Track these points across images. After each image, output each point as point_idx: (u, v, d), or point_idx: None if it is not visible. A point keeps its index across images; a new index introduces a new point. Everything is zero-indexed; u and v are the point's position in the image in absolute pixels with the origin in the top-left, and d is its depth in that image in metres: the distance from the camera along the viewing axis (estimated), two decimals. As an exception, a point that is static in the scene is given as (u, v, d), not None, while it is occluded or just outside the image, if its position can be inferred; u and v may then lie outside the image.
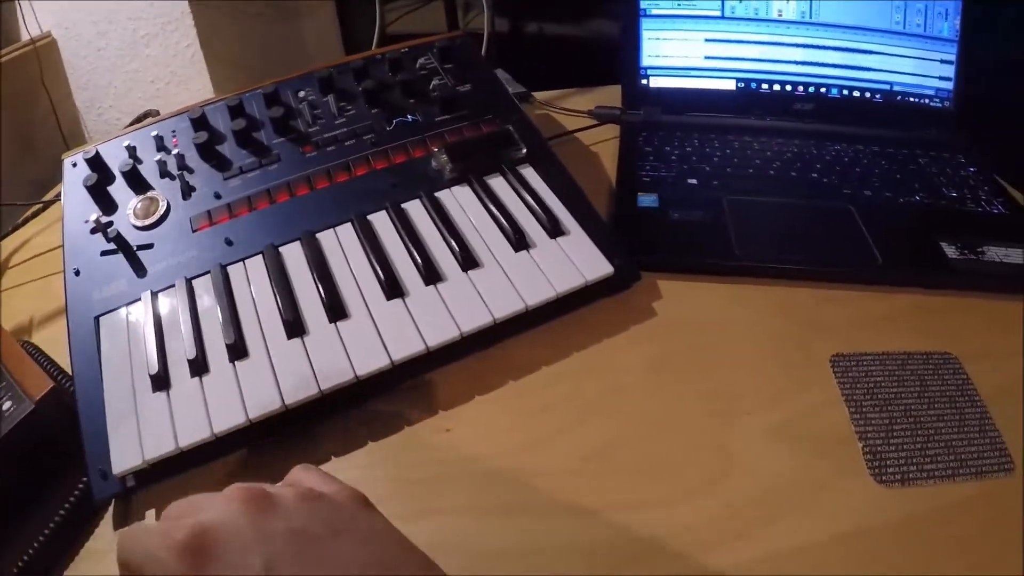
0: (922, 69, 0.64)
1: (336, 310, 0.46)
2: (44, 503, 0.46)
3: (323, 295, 0.47)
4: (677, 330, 0.50)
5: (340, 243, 0.50)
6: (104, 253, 0.53)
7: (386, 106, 0.58)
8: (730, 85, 0.68)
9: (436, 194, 0.53)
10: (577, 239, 0.51)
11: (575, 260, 0.49)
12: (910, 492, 0.40)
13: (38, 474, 0.47)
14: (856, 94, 0.66)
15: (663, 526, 0.38)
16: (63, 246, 0.54)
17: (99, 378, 0.46)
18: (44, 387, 0.46)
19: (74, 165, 0.58)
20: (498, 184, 0.54)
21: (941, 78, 0.64)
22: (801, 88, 0.67)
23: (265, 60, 0.94)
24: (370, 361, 0.44)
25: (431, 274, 0.48)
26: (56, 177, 0.93)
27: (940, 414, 0.44)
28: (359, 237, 0.50)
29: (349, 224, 0.51)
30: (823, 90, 0.66)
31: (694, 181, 0.60)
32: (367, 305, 0.47)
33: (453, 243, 0.49)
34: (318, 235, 0.51)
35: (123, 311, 0.49)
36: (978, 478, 0.40)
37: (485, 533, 0.39)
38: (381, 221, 0.51)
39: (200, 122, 0.57)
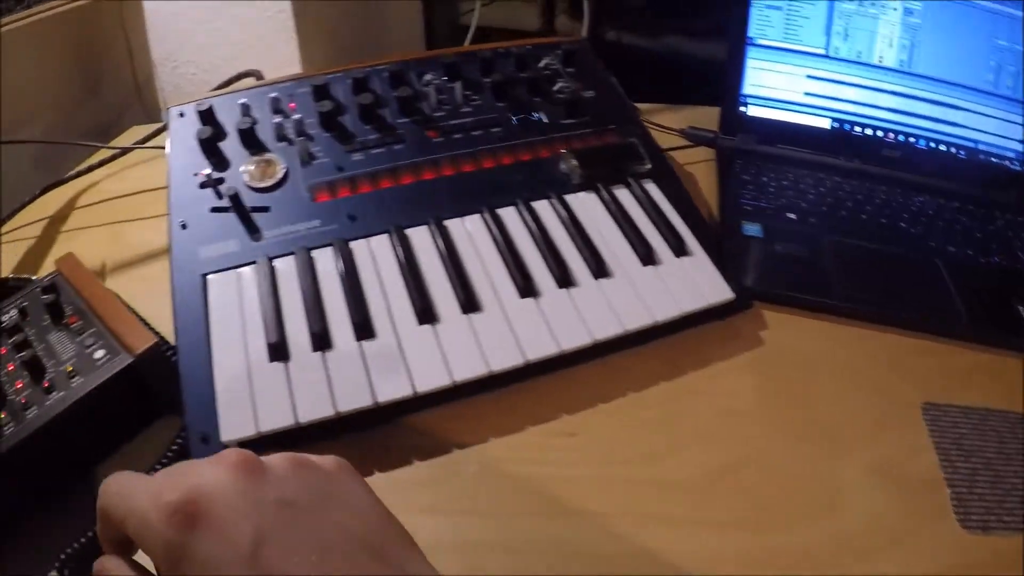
0: (1007, 131, 0.68)
1: (470, 302, 0.47)
2: (130, 458, 0.46)
3: (456, 285, 0.47)
4: (781, 361, 0.52)
5: (469, 233, 0.50)
6: (215, 210, 0.52)
7: (512, 101, 0.58)
8: (824, 123, 0.70)
9: (566, 197, 0.53)
10: (699, 261, 0.52)
11: (698, 281, 0.51)
12: (990, 541, 0.42)
13: (123, 427, 0.47)
14: (942, 147, 0.69)
15: (776, 549, 0.40)
16: (168, 198, 0.53)
17: (204, 338, 0.45)
18: (146, 341, 0.45)
19: (181, 115, 0.57)
20: (623, 196, 0.54)
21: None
22: (891, 135, 0.69)
23: (351, 37, 0.92)
24: (504, 357, 0.45)
25: (564, 278, 0.48)
26: (122, 123, 0.90)
27: (1016, 471, 0.46)
28: (490, 230, 0.50)
29: (479, 215, 0.51)
30: (911, 139, 0.69)
31: (793, 216, 0.61)
32: (500, 300, 0.47)
33: (586, 250, 0.50)
34: (446, 222, 0.51)
35: (234, 272, 0.49)
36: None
37: (607, 538, 0.40)
38: (510, 217, 0.52)
39: (323, 91, 0.56)
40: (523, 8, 0.94)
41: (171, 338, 0.48)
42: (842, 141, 0.70)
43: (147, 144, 0.72)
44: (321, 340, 0.44)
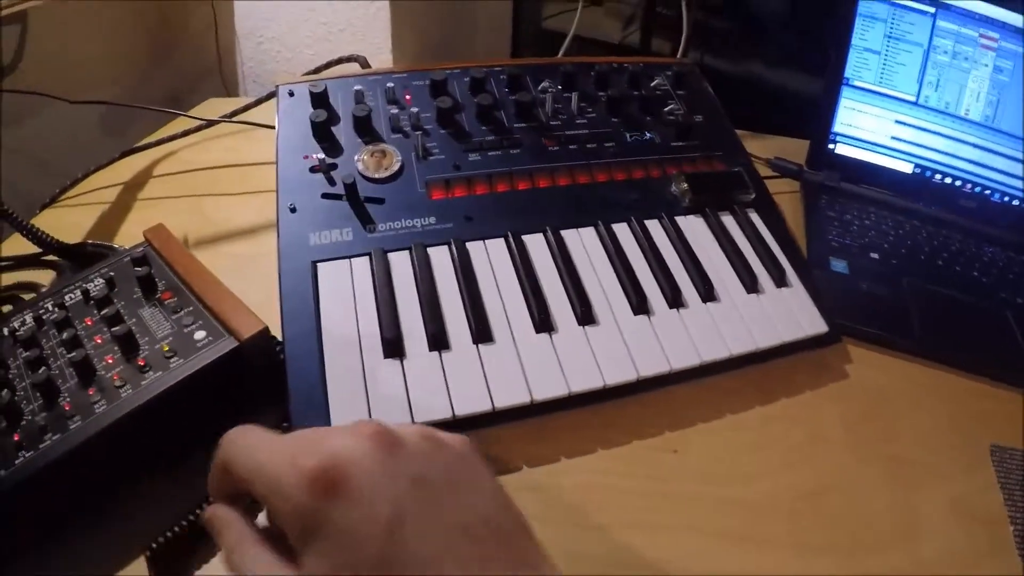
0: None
1: (587, 314, 0.48)
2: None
3: (573, 297, 0.48)
4: (864, 395, 0.54)
5: (584, 246, 0.52)
6: (326, 196, 0.52)
7: (625, 118, 0.60)
8: (907, 168, 0.72)
9: (676, 218, 0.54)
10: (797, 292, 0.54)
11: (795, 312, 0.53)
12: None
13: (217, 416, 0.46)
14: (1016, 203, 0.71)
15: (857, 573, 0.43)
16: (276, 179, 0.53)
17: (314, 328, 0.45)
18: (254, 326, 0.44)
19: (291, 94, 0.57)
20: (729, 223, 0.56)
21: (1095, 209, 0.70)
22: (969, 186, 0.71)
23: (441, 34, 0.93)
24: (617, 372, 0.46)
25: (676, 298, 0.50)
26: (196, 93, 0.89)
27: None
28: (604, 244, 0.52)
29: (593, 229, 0.53)
30: (988, 192, 0.71)
31: (875, 256, 0.63)
32: (614, 315, 0.49)
33: (695, 273, 0.51)
34: (562, 232, 0.52)
35: (347, 263, 0.49)
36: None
37: (700, 556, 0.42)
38: (623, 233, 0.53)
39: (441, 86, 0.57)
40: (606, 19, 0.95)
41: (266, 321, 0.46)
42: (922, 187, 0.72)
43: (235, 118, 0.72)
44: (438, 340, 0.45)
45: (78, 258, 0.61)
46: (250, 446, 0.28)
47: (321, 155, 0.53)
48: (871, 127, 0.72)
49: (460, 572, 0.25)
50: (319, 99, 0.56)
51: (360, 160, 0.53)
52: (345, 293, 0.47)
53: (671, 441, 0.48)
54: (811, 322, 0.52)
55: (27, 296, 0.58)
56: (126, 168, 0.73)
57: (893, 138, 0.72)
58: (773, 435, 0.50)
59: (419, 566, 0.25)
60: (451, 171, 0.54)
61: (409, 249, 0.49)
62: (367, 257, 0.49)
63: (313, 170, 0.53)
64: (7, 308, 0.54)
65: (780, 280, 0.53)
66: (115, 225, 0.67)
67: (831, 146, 0.73)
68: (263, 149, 0.76)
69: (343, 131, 0.55)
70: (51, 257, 0.62)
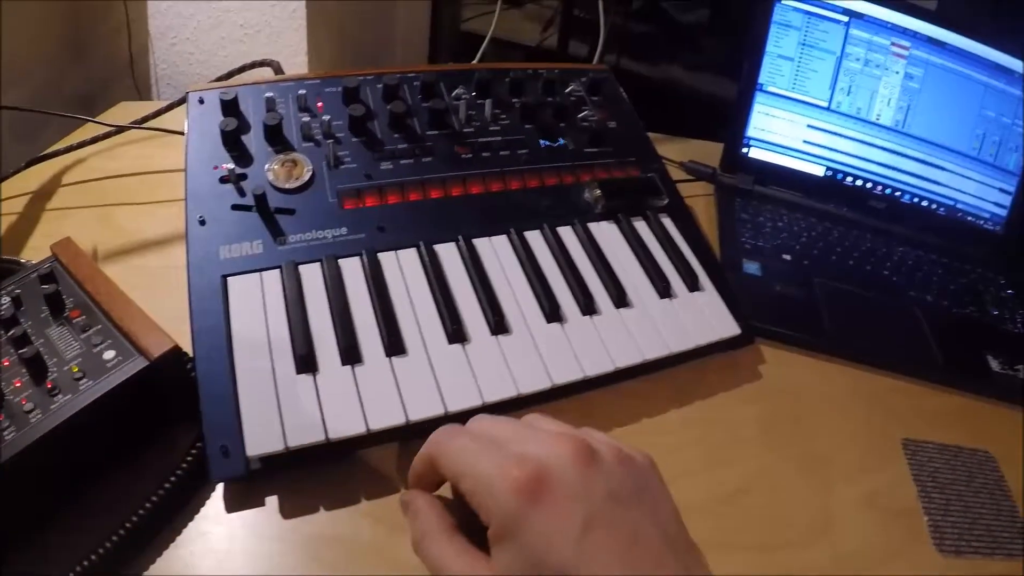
0: (984, 193, 0.74)
1: (499, 324, 0.48)
2: (140, 467, 0.44)
3: (486, 306, 0.49)
4: (778, 394, 0.55)
5: (497, 254, 0.52)
6: (236, 207, 0.51)
7: (539, 124, 0.60)
8: (819, 171, 0.75)
9: (588, 225, 0.55)
10: (710, 296, 0.55)
11: (708, 316, 0.54)
12: (962, 563, 0.47)
13: (132, 434, 0.46)
14: (925, 203, 0.75)
15: (778, 567, 0.44)
16: (185, 190, 0.52)
17: (223, 344, 0.45)
18: (163, 344, 0.43)
19: (201, 101, 0.56)
20: (641, 228, 0.57)
21: (997, 204, 0.74)
22: (879, 188, 0.75)
23: (358, 35, 0.92)
24: (532, 381, 0.46)
25: (588, 305, 0.51)
26: (108, 97, 0.86)
27: (982, 503, 0.51)
28: (516, 252, 0.52)
29: (505, 237, 0.53)
30: (897, 194, 0.75)
31: (788, 257, 0.66)
32: (527, 324, 0.49)
33: (608, 279, 0.52)
34: (474, 240, 0.52)
35: (257, 276, 0.48)
36: (1010, 558, 0.48)
37: None
38: (536, 241, 0.54)
39: (354, 93, 0.57)
40: (524, 22, 0.96)
41: (176, 337, 0.45)
42: (833, 189, 0.75)
43: (145, 125, 0.70)
44: (350, 354, 0.45)
45: None
46: (463, 448, 0.33)
47: (231, 165, 0.52)
48: (784, 131, 0.74)
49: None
50: (229, 107, 0.55)
51: (270, 170, 0.53)
52: (256, 307, 0.47)
53: (587, 448, 0.49)
54: (724, 325, 0.54)
55: None
56: (34, 177, 0.70)
57: (805, 142, 0.74)
58: (691, 437, 0.51)
59: (597, 569, 0.29)
60: (363, 180, 0.53)
61: (320, 261, 0.49)
62: (278, 270, 0.48)
63: (223, 180, 0.52)
64: None
65: (692, 285, 0.55)
66: (23, 238, 0.64)
67: (744, 150, 0.75)
68: (175, 156, 0.74)
69: (254, 140, 0.54)
70: None
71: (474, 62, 0.67)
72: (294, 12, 0.83)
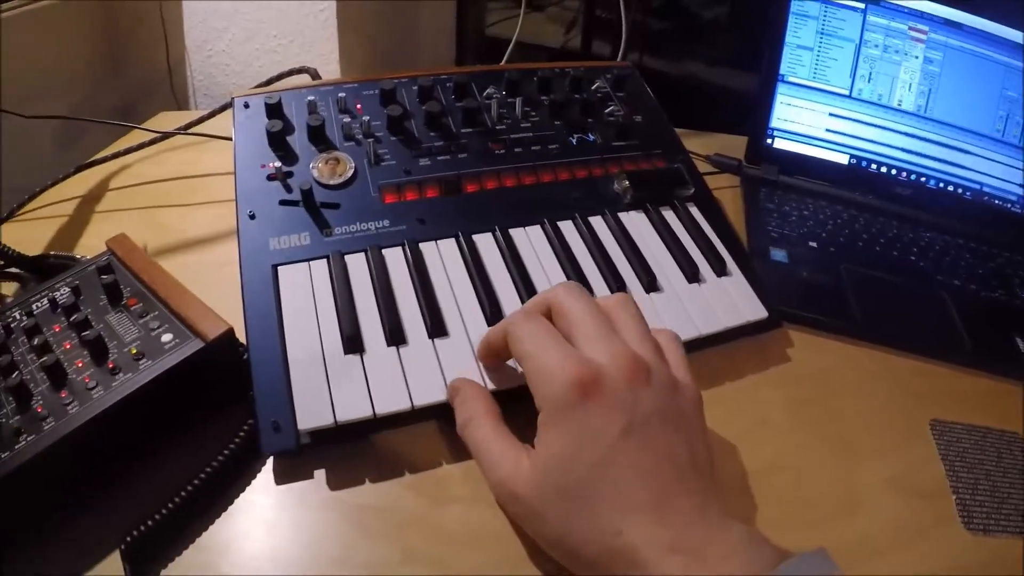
0: (1010, 176, 0.75)
1: (534, 307, 0.51)
2: (193, 444, 0.48)
3: (523, 291, 0.52)
4: (806, 377, 0.58)
5: (531, 243, 0.55)
6: (284, 203, 0.55)
7: (567, 121, 0.63)
8: (843, 159, 0.77)
9: (619, 214, 0.59)
10: (737, 281, 0.58)
11: (736, 300, 0.57)
12: (990, 541, 0.48)
13: (182, 415, 0.49)
14: (950, 188, 0.76)
15: (804, 546, 0.45)
16: (235, 188, 0.56)
17: (276, 327, 0.48)
18: (219, 327, 0.47)
19: (246, 106, 0.60)
20: (670, 217, 0.60)
21: (1024, 187, 0.76)
22: (904, 174, 0.77)
23: (387, 41, 0.97)
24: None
25: (620, 289, 0.54)
26: (146, 106, 0.92)
27: (1011, 482, 0.53)
28: (550, 241, 0.55)
29: (539, 227, 0.56)
30: (923, 179, 0.77)
31: (814, 244, 0.68)
32: (561, 308, 0.52)
33: (638, 265, 0.55)
34: (510, 231, 0.56)
35: (306, 265, 0.52)
36: (1039, 537, 0.49)
37: None
38: (568, 230, 0.57)
39: (391, 95, 0.61)
40: (547, 24, 1.00)
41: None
42: (858, 177, 0.77)
43: (189, 131, 0.75)
44: (396, 336, 0.48)
45: (40, 270, 0.63)
46: (536, 333, 0.39)
47: (277, 163, 0.56)
48: (806, 121, 0.77)
49: (658, 487, 0.35)
50: (274, 110, 0.59)
51: (315, 167, 0.57)
52: (305, 293, 0.50)
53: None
54: (751, 308, 0.56)
55: None
56: (80, 182, 0.75)
57: (828, 131, 0.77)
58: (720, 418, 0.52)
59: (627, 473, 0.35)
60: (402, 176, 0.57)
61: (365, 251, 0.52)
62: (325, 259, 0.52)
63: (270, 178, 0.56)
64: None
65: (720, 270, 0.58)
66: (74, 238, 0.69)
67: (768, 141, 0.78)
68: (215, 160, 0.79)
69: (297, 140, 0.58)
70: (12, 270, 0.64)
71: (501, 63, 0.70)
72: (325, 22, 0.88)
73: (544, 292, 0.42)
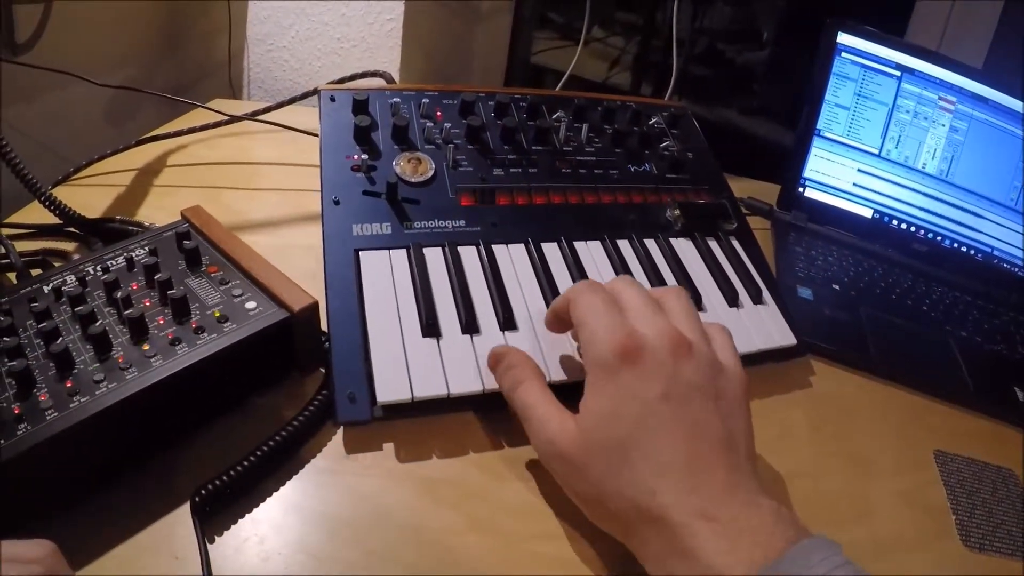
0: (1019, 242, 0.87)
1: (595, 313, 0.62)
2: (267, 409, 0.54)
3: (584, 297, 0.62)
4: (827, 401, 0.67)
5: (593, 256, 0.65)
6: (367, 193, 0.63)
7: (627, 150, 0.74)
8: (867, 213, 0.89)
9: (670, 240, 0.70)
10: (771, 310, 0.68)
11: (769, 326, 0.67)
12: (985, 559, 0.57)
13: (257, 380, 0.55)
14: (963, 248, 0.88)
15: None
16: (321, 173, 0.64)
17: (354, 305, 0.56)
18: (304, 300, 0.53)
19: (332, 99, 0.69)
20: (714, 247, 0.71)
21: (1031, 255, 0.88)
22: (922, 232, 0.89)
23: (443, 57, 1.07)
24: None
25: (669, 305, 0.64)
26: (198, 91, 0.99)
27: (1005, 511, 0.61)
28: (609, 256, 0.65)
29: (599, 242, 0.67)
30: (939, 238, 0.89)
31: (837, 287, 0.79)
32: (617, 315, 0.63)
33: (685, 285, 0.66)
34: (575, 243, 0.66)
35: (386, 253, 0.60)
36: (1028, 560, 0.58)
37: None
38: (625, 248, 0.67)
39: (471, 107, 0.71)
40: (590, 59, 1.12)
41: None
42: (880, 230, 0.89)
43: (258, 117, 0.84)
44: (470, 324, 0.57)
45: (103, 233, 0.69)
46: (592, 304, 0.45)
47: (363, 156, 0.66)
48: (836, 174, 0.89)
49: (691, 455, 0.40)
50: (360, 106, 0.69)
51: (398, 164, 0.66)
52: (385, 278, 0.58)
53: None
54: (782, 335, 0.67)
55: (57, 263, 0.64)
56: (137, 156, 0.81)
57: (855, 185, 0.89)
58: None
59: (662, 437, 0.40)
60: (478, 182, 0.67)
61: (442, 246, 0.61)
62: (405, 250, 0.60)
63: (354, 169, 0.64)
64: (37, 271, 0.62)
65: (756, 298, 0.68)
66: (132, 207, 0.75)
67: (800, 189, 0.90)
68: (269, 151, 0.87)
69: (381, 137, 0.67)
70: (72, 230, 0.69)
71: (557, 90, 0.81)
72: (390, 31, 0.99)
73: (570, 291, 0.49)
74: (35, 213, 0.68)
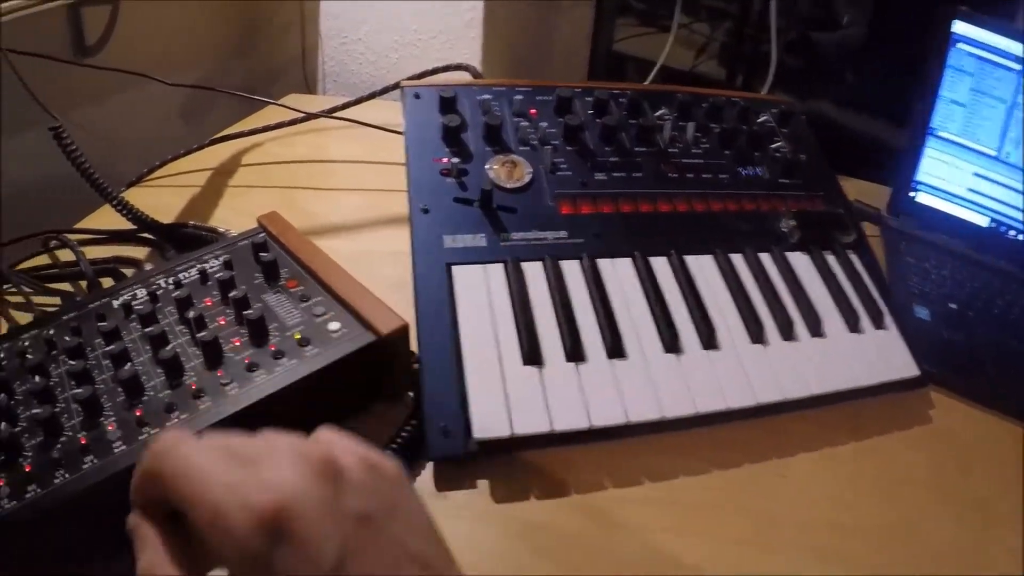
0: None
1: (710, 339, 0.54)
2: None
3: (699, 321, 0.55)
4: (946, 439, 0.61)
5: (704, 273, 0.58)
6: (458, 200, 0.57)
7: (736, 151, 0.67)
8: (983, 221, 0.80)
9: (786, 254, 0.61)
10: (892, 335, 0.61)
11: (890, 354, 0.60)
12: None
13: (339, 408, 0.49)
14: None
15: None
16: (408, 179, 0.58)
17: (447, 328, 0.51)
18: (393, 321, 0.48)
19: (417, 96, 0.62)
20: (831, 263, 0.63)
21: None
22: (1039, 246, 0.80)
23: (524, 49, 0.99)
24: (739, 397, 0.52)
25: (788, 331, 0.57)
26: (270, 89, 0.94)
27: None
28: (722, 273, 0.59)
29: (711, 257, 0.59)
30: (1055, 253, 0.80)
31: (954, 306, 0.71)
32: (734, 342, 0.55)
33: (805, 308, 0.58)
34: (685, 258, 0.58)
35: (481, 268, 0.55)
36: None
37: (807, 570, 0.48)
38: (739, 264, 0.60)
39: (568, 104, 0.63)
40: (675, 47, 1.03)
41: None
42: (993, 241, 0.80)
43: (335, 114, 0.77)
44: (575, 352, 0.51)
45: (176, 238, 0.65)
46: (192, 470, 0.28)
47: (454, 159, 0.59)
48: (950, 178, 0.80)
49: None
50: (448, 104, 0.61)
51: (491, 169, 0.59)
52: (481, 297, 0.53)
53: (778, 466, 0.54)
54: (904, 365, 0.59)
55: (127, 271, 0.62)
56: (211, 155, 0.78)
57: (970, 190, 0.80)
58: (865, 469, 0.56)
59: None
60: (579, 188, 0.60)
61: (542, 260, 0.55)
62: (502, 264, 0.55)
63: (443, 173, 0.58)
64: (107, 282, 0.59)
65: (878, 322, 0.61)
66: (207, 210, 0.71)
67: (912, 194, 0.81)
68: (347, 148, 0.82)
69: (471, 138, 0.61)
70: (144, 235, 0.66)
71: (646, 84, 0.73)
72: (470, 22, 0.91)
73: (152, 458, 0.30)
74: (106, 217, 0.66)
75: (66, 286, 0.61)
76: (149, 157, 0.77)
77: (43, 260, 0.64)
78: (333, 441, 0.31)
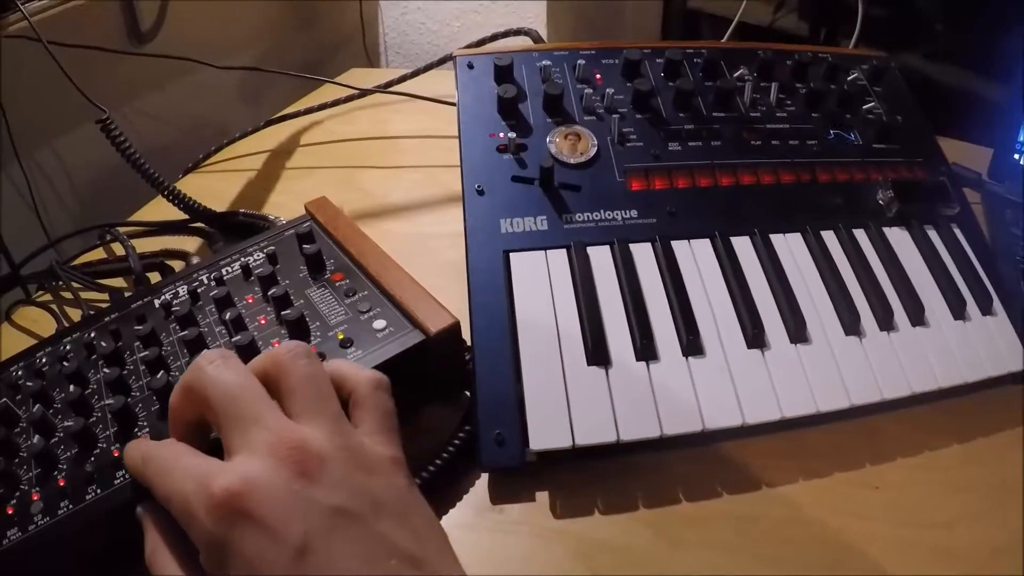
0: None
1: (799, 332, 0.48)
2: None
3: (786, 311, 0.48)
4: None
5: (792, 253, 0.51)
6: (517, 179, 0.51)
7: (825, 113, 0.59)
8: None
9: (884, 230, 0.53)
10: (1001, 323, 0.53)
11: (1000, 344, 0.52)
12: None
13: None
14: None
15: None
16: (461, 157, 0.52)
17: (504, 325, 0.45)
18: (443, 320, 0.44)
19: (470, 66, 0.56)
20: (934, 238, 0.55)
21: None
22: None
23: (593, 9, 0.91)
24: (830, 399, 0.46)
25: (887, 321, 0.50)
26: (331, 64, 0.89)
27: None
28: (812, 254, 0.52)
29: (800, 235, 0.52)
30: None
31: (1064, 285, 0.62)
32: (826, 334, 0.48)
33: (905, 294, 0.51)
34: (771, 237, 0.51)
35: (542, 254, 0.49)
36: None
37: None
38: (831, 242, 0.53)
39: (636, 67, 0.56)
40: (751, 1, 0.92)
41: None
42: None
43: (391, 89, 0.70)
44: (647, 351, 0.46)
45: (228, 227, 0.62)
46: (164, 466, 0.29)
47: (511, 134, 0.52)
48: (1059, 139, 0.70)
49: None
50: (504, 73, 0.55)
51: (552, 142, 0.52)
52: (542, 288, 0.48)
53: (872, 476, 0.48)
54: (1015, 356, 0.52)
55: (175, 264, 0.59)
56: (270, 136, 0.74)
57: (1078, 154, 0.69)
58: (971, 478, 0.49)
59: None
60: (650, 160, 0.53)
61: (611, 244, 0.50)
62: (564, 250, 0.49)
63: (500, 149, 0.52)
64: (154, 275, 0.57)
65: (986, 307, 0.53)
66: (263, 194, 0.68)
67: (1016, 156, 0.70)
68: (411, 122, 0.77)
69: (531, 109, 0.55)
70: (198, 224, 0.63)
71: (723, 42, 0.64)
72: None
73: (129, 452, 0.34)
74: (163, 207, 0.62)
75: (119, 280, 0.59)
76: (212, 140, 0.75)
77: (99, 254, 0.62)
78: (321, 436, 0.30)
